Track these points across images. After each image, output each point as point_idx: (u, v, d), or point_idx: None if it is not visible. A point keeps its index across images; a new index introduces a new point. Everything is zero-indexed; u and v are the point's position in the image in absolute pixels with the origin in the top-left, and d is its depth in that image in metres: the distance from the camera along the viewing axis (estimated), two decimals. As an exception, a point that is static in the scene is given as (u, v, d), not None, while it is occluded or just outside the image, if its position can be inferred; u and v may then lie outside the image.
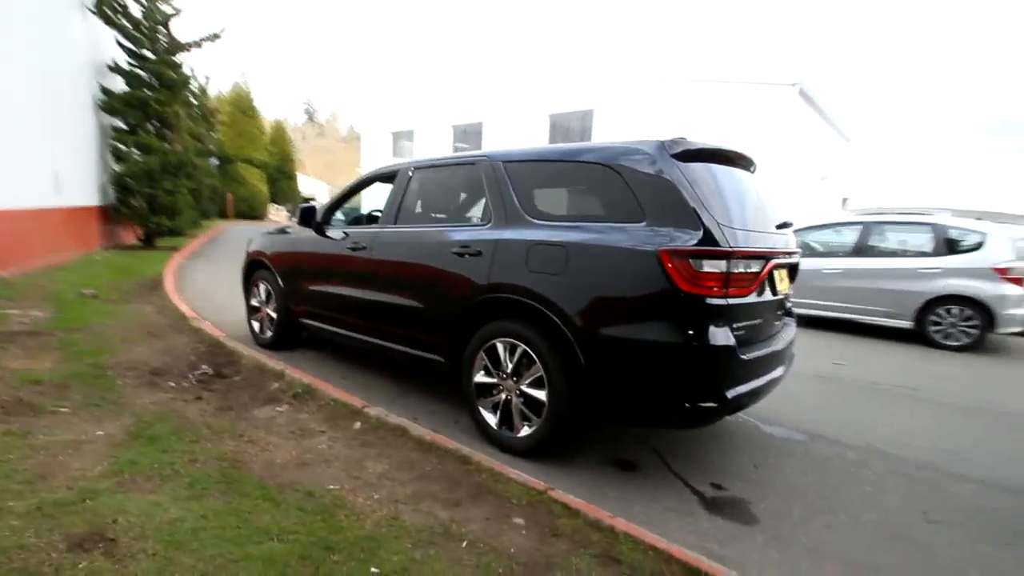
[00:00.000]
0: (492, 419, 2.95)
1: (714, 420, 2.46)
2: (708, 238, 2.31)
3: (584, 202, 2.90)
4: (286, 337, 4.67)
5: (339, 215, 4.40)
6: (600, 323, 2.51)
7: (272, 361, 4.09)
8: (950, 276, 6.37)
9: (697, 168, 2.53)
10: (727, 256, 2.32)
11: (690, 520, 2.31)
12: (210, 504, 2.06)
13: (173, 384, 3.63)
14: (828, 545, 2.19)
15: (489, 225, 3.02)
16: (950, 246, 6.53)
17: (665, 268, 2.32)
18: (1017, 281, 6.11)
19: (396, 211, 3.65)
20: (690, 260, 2.30)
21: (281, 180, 38.28)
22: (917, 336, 6.57)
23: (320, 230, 4.20)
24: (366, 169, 32.27)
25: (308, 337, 4.63)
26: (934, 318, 6.45)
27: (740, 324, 2.45)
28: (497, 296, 2.86)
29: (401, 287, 3.44)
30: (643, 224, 2.45)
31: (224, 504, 2.07)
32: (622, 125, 19.83)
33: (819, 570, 2.02)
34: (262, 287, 4.77)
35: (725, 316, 2.36)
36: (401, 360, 3.52)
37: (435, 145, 27.78)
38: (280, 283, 4.49)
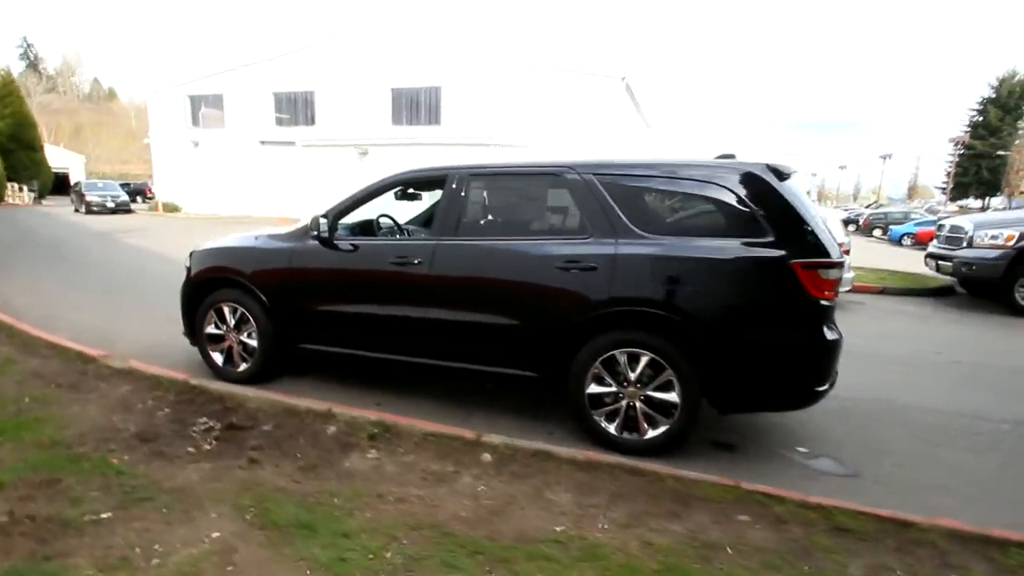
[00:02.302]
0: (610, 427, 3.07)
1: (821, 399, 2.99)
2: (823, 250, 2.78)
3: (693, 215, 3.12)
4: (273, 367, 3.96)
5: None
6: (734, 327, 2.82)
7: (285, 397, 3.48)
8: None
9: (793, 187, 2.96)
10: (838, 265, 2.82)
11: (820, 482, 2.82)
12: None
13: (192, 450, 2.88)
14: (907, 476, 2.90)
15: (590, 238, 3.05)
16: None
17: (798, 277, 2.73)
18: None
19: (455, 222, 3.37)
20: (818, 270, 2.74)
21: (18, 151, 29.85)
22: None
23: (329, 242, 3.63)
24: (158, 140, 26.62)
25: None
26: None
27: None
28: (620, 309, 2.95)
29: (480, 304, 3.25)
30: (769, 239, 2.80)
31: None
32: (471, 104, 19.98)
33: (922, 497, 2.68)
34: (229, 311, 3.92)
35: (831, 314, 2.88)
36: (465, 376, 3.35)
37: (251, 114, 24.31)
38: (269, 305, 3.76)
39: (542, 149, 17.06)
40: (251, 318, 3.84)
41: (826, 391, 2.89)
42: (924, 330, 6.62)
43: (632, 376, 2.98)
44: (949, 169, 46.68)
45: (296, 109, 23.76)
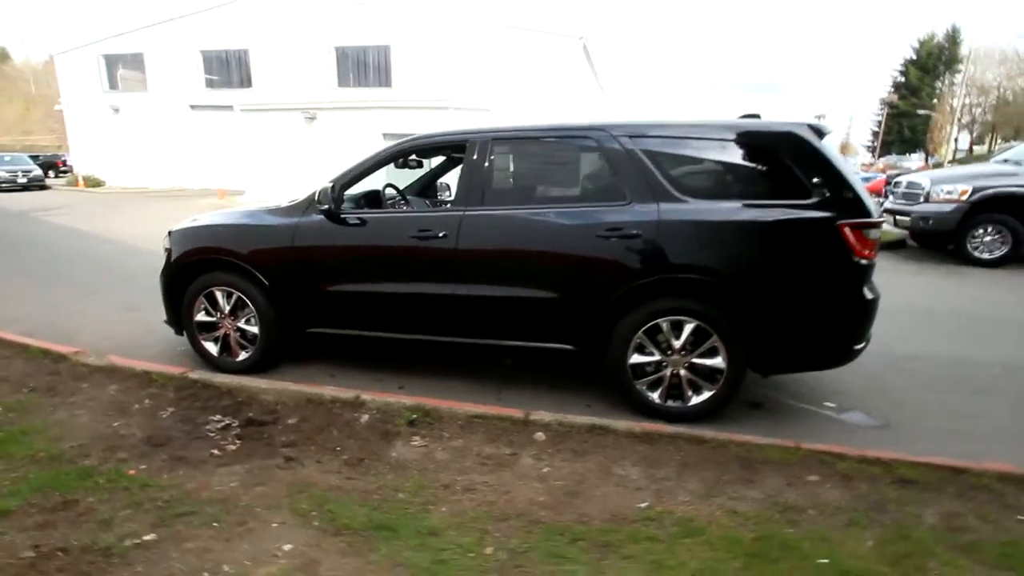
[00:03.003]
0: (654, 395, 3.03)
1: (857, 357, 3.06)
2: (867, 210, 2.78)
3: (735, 177, 3.03)
4: (276, 354, 3.67)
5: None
6: (780, 291, 2.81)
7: (305, 387, 3.23)
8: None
9: (831, 146, 2.93)
10: (879, 225, 2.84)
11: (859, 435, 2.92)
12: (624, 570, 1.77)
13: (216, 452, 2.61)
14: (930, 425, 3.05)
15: (630, 204, 2.93)
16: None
17: (844, 239, 2.73)
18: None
19: (480, 190, 3.15)
20: (863, 231, 2.75)
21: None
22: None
23: (336, 216, 3.32)
24: (69, 105, 23.78)
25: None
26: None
27: None
28: (664, 277, 2.88)
29: (514, 277, 3.09)
30: (814, 200, 2.77)
31: (629, 563, 1.80)
32: (423, 65, 19.05)
33: (951, 443, 2.81)
34: (223, 296, 3.56)
35: (871, 274, 2.92)
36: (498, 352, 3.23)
37: (177, 76, 22.21)
38: (270, 288, 3.43)
39: (501, 113, 16.57)
40: (249, 303, 3.51)
41: (863, 348, 2.96)
42: (892, 282, 7.00)
43: (676, 344, 2.93)
44: (875, 129, 49.52)
45: (229, 70, 21.85)
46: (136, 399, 3.15)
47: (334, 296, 3.37)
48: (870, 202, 2.83)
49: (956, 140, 42.90)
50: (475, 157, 3.17)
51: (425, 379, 3.59)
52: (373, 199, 3.80)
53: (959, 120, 41.96)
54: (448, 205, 4.19)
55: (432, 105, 15.33)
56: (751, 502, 2.21)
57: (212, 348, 3.67)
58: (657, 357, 2.99)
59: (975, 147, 44.01)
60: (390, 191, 3.96)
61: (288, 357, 3.80)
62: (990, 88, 42.37)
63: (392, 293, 3.27)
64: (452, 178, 5.19)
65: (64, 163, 28.65)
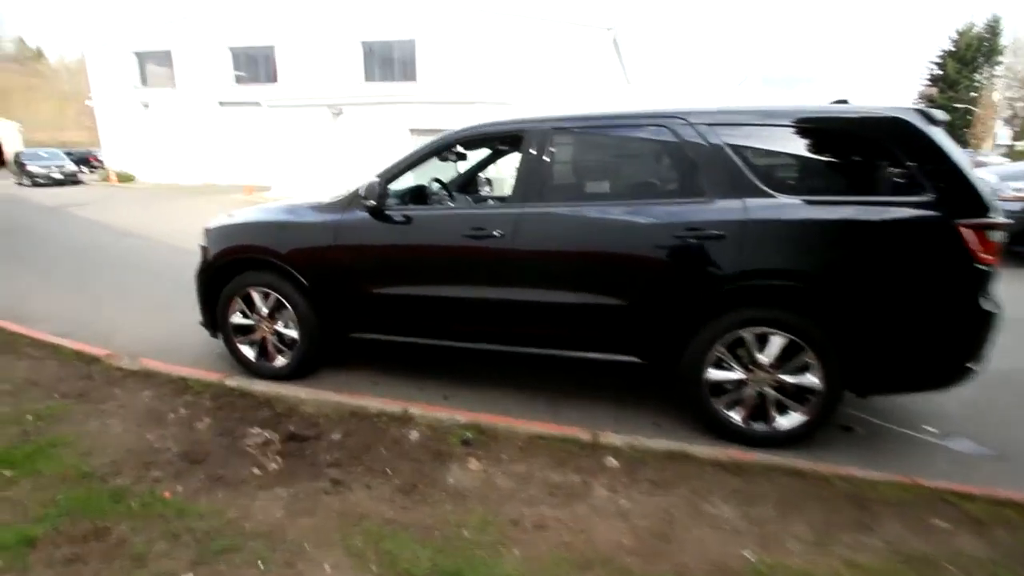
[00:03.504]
0: (735, 416, 2.72)
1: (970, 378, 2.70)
2: (988, 208, 2.42)
3: (833, 170, 2.70)
4: (316, 361, 3.45)
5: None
6: (886, 300, 2.46)
7: (348, 398, 3.00)
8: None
9: (944, 135, 2.57)
10: (1003, 226, 2.47)
11: (975, 468, 2.56)
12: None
13: (256, 471, 2.39)
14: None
15: (712, 200, 2.61)
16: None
17: (962, 240, 2.37)
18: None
19: (539, 186, 2.87)
20: (985, 232, 2.38)
21: (-60, 116, 26.99)
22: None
23: (382, 213, 3.07)
24: (100, 101, 24.18)
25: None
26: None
27: None
28: (750, 283, 2.55)
29: (577, 281, 2.80)
30: (925, 196, 2.42)
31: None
32: (448, 59, 18.80)
33: None
34: (260, 298, 3.35)
35: (992, 282, 2.55)
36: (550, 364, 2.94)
37: (206, 72, 22.39)
38: (311, 289, 3.21)
39: (526, 106, 16.22)
40: (288, 305, 3.29)
41: (978, 369, 2.59)
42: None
43: (762, 359, 2.61)
44: (912, 122, 47.53)
45: (256, 66, 21.92)
46: (171, 407, 2.95)
47: (378, 299, 3.13)
48: (992, 199, 2.46)
49: (995, 135, 41.05)
50: (533, 149, 2.88)
51: (472, 389, 3.33)
52: (418, 195, 3.55)
53: (998, 114, 40.12)
54: (491, 201, 3.92)
55: (459, 100, 15.06)
56: (873, 553, 1.89)
57: (249, 352, 3.47)
58: (739, 374, 2.67)
59: (1016, 142, 42.07)
60: (435, 186, 3.70)
61: (327, 362, 3.58)
62: (1032, 80, 40.40)
63: (441, 297, 3.01)
64: (493, 172, 4.94)
65: (96, 158, 29.20)
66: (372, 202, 2.97)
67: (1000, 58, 43.35)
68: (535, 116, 2.94)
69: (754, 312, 2.59)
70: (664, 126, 2.73)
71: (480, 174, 4.57)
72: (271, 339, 3.41)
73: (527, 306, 2.88)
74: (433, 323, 3.09)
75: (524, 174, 2.89)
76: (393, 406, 2.86)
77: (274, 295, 3.31)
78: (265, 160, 17.90)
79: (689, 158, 2.68)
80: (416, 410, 2.82)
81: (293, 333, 3.34)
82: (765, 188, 2.57)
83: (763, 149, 2.66)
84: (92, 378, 3.32)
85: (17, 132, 35.58)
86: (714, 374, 2.71)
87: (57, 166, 20.86)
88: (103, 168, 25.53)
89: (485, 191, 4.73)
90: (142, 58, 23.59)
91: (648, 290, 2.71)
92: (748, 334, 2.61)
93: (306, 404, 2.95)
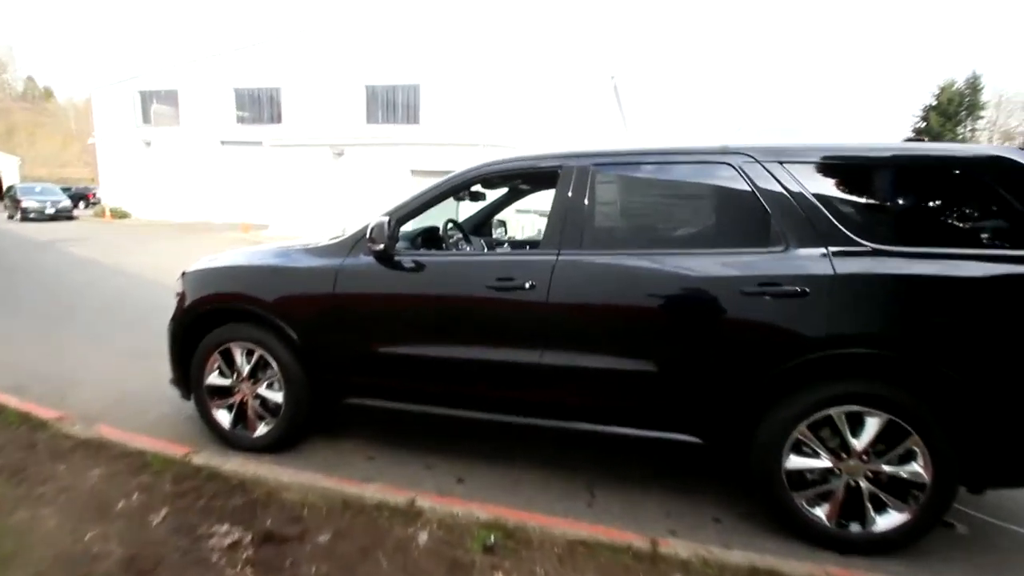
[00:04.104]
0: (820, 514, 2.20)
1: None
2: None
3: (933, 216, 2.28)
4: (303, 430, 2.92)
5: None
6: (1014, 370, 2.00)
7: (339, 483, 2.46)
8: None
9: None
10: None
11: None
12: None
13: (219, 590, 1.83)
14: None
15: (787, 249, 2.19)
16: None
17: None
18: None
19: (579, 230, 2.44)
20: None
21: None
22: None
23: (391, 259, 2.63)
24: (103, 138, 24.20)
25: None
26: None
27: None
28: (842, 352, 2.09)
29: (623, 344, 2.34)
30: (1050, 250, 2.00)
31: None
32: (452, 103, 18.96)
33: None
34: (241, 353, 2.85)
35: None
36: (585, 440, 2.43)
37: (209, 111, 22.54)
38: (301, 346, 2.72)
39: (527, 147, 16.18)
40: (274, 363, 2.79)
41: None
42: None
43: (857, 444, 2.12)
44: (902, 173, 48.55)
45: (260, 107, 22.07)
46: (123, 492, 2.40)
47: (382, 359, 2.64)
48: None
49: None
50: (571, 188, 2.47)
51: (490, 466, 2.80)
52: (430, 237, 3.12)
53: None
54: (508, 246, 3.51)
55: (459, 142, 15.00)
56: None
57: (224, 418, 2.95)
58: (826, 462, 2.17)
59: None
60: (450, 227, 3.28)
61: (316, 431, 3.05)
62: (1015, 134, 41.58)
63: (459, 359, 2.53)
64: (509, 215, 4.55)
65: (94, 195, 29.03)
66: (380, 246, 2.53)
67: (982, 112, 44.72)
68: (573, 151, 2.54)
69: (844, 387, 2.12)
70: (727, 163, 2.33)
71: (496, 216, 4.19)
72: (252, 404, 2.89)
73: (562, 372, 2.40)
74: (448, 389, 2.59)
75: (560, 215, 2.47)
76: (396, 496, 2.32)
77: (259, 351, 2.82)
78: (264, 199, 17.71)
79: (757, 200, 2.26)
80: (425, 502, 2.28)
81: (278, 397, 2.83)
82: (852, 235, 2.15)
83: (847, 190, 2.26)
84: (35, 448, 2.77)
85: (16, 166, 35.57)
86: (794, 461, 2.21)
87: (52, 201, 20.54)
88: (99, 204, 25.28)
89: (498, 234, 4.33)
90: (146, 97, 23.77)
91: (710, 357, 2.24)
92: (838, 413, 2.13)
93: (288, 489, 2.41)
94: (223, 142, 22.24)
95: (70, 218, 21.07)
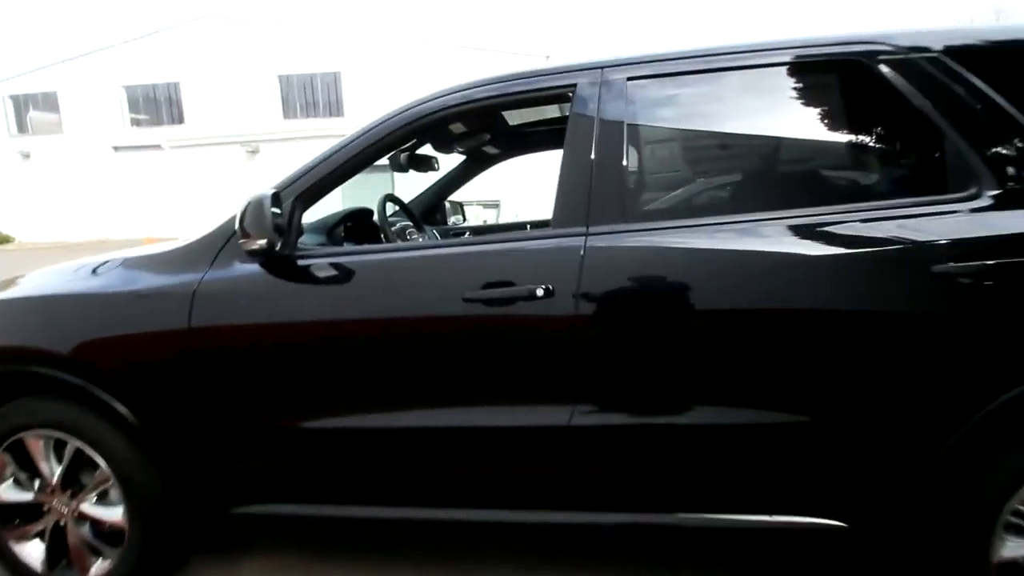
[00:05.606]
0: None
1: None
2: None
3: None
4: (171, 558, 1.76)
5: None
6: None
7: None
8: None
9: None
10: None
11: None
12: None
13: None
14: None
15: (977, 195, 1.27)
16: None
17: None
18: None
19: (618, 192, 1.42)
20: None
21: None
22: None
23: (291, 263, 1.51)
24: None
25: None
26: None
27: None
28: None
29: (715, 384, 1.35)
30: None
31: None
32: (379, 91, 17.52)
33: None
34: (43, 451, 1.65)
35: None
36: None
37: (97, 114, 19.91)
38: (144, 428, 1.55)
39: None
40: (101, 460, 1.60)
41: None
42: None
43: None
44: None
45: (158, 106, 19.65)
46: None
47: (286, 440, 1.53)
48: None
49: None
50: (598, 123, 1.44)
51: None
52: (360, 227, 1.99)
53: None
54: (510, 227, 2.47)
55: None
56: None
57: (35, 556, 1.72)
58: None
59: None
60: (390, 209, 2.16)
61: (206, 547, 1.88)
62: None
63: (427, 429, 1.46)
64: (466, 194, 3.47)
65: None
66: (265, 242, 1.39)
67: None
68: (592, 60, 1.51)
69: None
70: (857, 63, 1.37)
71: (450, 197, 3.11)
72: (74, 529, 1.69)
73: (610, 437, 1.38)
74: (408, 481, 1.51)
75: (581, 173, 1.42)
76: None
77: (73, 442, 1.62)
78: (170, 208, 15.67)
79: (925, 120, 1.33)
80: None
81: (115, 514, 1.64)
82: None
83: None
84: None
85: None
86: (1013, 548, 1.31)
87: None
88: (-29, 230, 21.79)
89: (458, 222, 3.26)
90: (20, 102, 20.63)
91: (870, 390, 1.30)
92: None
93: None
94: (116, 148, 19.73)
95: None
